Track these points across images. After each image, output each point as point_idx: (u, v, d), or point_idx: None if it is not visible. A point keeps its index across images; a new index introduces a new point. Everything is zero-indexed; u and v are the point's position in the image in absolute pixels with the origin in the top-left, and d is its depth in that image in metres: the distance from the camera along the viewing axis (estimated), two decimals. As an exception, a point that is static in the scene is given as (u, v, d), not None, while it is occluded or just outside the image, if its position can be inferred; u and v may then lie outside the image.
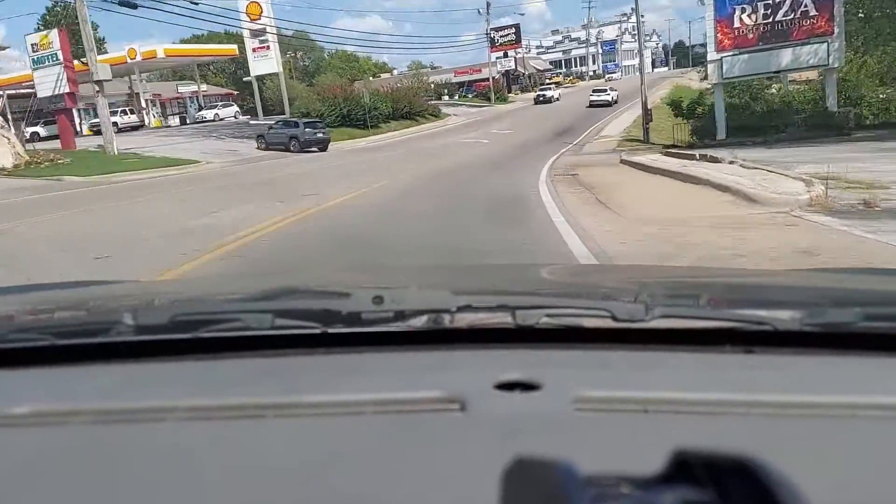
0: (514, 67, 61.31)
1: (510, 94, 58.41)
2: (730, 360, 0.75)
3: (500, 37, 59.35)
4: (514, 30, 59.30)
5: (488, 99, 52.56)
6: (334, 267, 5.17)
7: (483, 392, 0.64)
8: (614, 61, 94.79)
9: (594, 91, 43.03)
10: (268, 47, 37.00)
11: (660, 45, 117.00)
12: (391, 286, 1.23)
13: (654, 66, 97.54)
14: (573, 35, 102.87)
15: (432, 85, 57.39)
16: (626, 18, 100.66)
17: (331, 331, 0.81)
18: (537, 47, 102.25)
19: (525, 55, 69.56)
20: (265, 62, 37.28)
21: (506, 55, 60.69)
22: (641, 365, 0.74)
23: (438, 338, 0.81)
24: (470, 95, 59.43)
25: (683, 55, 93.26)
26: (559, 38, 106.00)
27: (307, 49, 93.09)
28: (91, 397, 0.71)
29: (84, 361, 0.80)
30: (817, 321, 0.79)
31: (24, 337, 0.87)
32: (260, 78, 38.79)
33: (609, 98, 40.40)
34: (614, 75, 75.22)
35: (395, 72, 69.51)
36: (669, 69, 48.33)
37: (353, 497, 0.50)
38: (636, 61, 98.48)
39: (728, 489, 0.32)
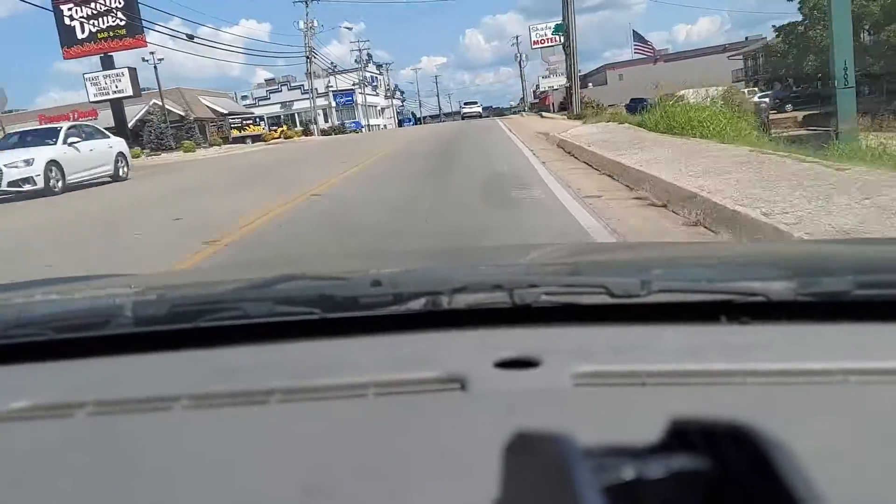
0: (131, 95, 25.75)
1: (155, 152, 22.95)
2: (725, 331, 0.77)
3: (88, 18, 24.06)
4: (122, 3, 24.39)
5: None
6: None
7: (483, 371, 0.66)
8: (355, 119, 64.63)
9: (465, 104, 58.78)
10: None
11: (404, 103, 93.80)
12: (389, 270, 1.20)
13: (401, 124, 72.27)
14: (293, 83, 70.78)
15: None
16: (363, 65, 72.39)
17: (330, 316, 0.82)
18: (243, 97, 68.14)
19: (190, 88, 34.93)
20: None
21: (108, 62, 25.13)
22: (638, 339, 0.75)
23: (437, 319, 0.82)
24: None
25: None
26: (276, 87, 73.01)
27: None
28: (92, 390, 0.71)
29: (84, 355, 0.81)
30: (810, 290, 0.79)
31: (23, 332, 0.86)
32: None
33: (479, 110, 51.76)
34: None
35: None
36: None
37: (359, 477, 0.51)
38: (382, 120, 70.50)
39: (725, 455, 0.33)
